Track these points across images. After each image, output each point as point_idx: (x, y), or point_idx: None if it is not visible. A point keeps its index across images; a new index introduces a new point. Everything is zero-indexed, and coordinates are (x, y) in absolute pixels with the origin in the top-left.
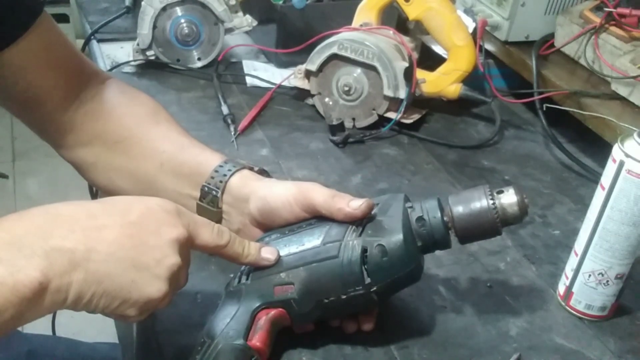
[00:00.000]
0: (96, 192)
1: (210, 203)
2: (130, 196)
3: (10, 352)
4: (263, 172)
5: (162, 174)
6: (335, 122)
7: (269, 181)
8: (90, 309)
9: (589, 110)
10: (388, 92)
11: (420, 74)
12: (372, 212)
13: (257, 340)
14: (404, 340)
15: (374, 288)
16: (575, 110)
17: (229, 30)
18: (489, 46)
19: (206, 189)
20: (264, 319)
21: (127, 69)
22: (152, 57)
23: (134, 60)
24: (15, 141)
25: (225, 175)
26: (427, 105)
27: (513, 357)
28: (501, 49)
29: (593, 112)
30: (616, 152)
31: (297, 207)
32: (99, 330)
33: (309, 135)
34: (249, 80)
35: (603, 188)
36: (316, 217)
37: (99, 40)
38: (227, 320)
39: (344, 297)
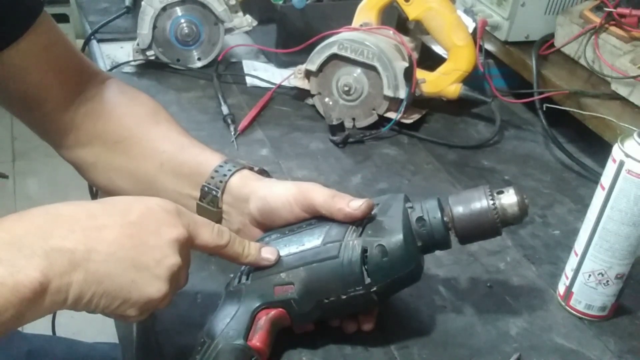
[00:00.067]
0: (96, 192)
1: (210, 203)
2: (130, 196)
3: (10, 352)
4: (263, 172)
5: (162, 174)
6: (335, 122)
7: (269, 181)
8: (91, 309)
9: (589, 110)
10: (388, 92)
11: (420, 74)
12: (372, 213)
13: (257, 340)
14: (404, 340)
15: (374, 288)
16: (575, 110)
17: (229, 30)
18: (489, 46)
19: (206, 189)
20: (264, 319)
21: (127, 69)
22: (152, 57)
23: (134, 60)
24: (15, 141)
25: (225, 175)
26: (427, 105)
27: (513, 357)
28: (501, 49)
29: (593, 112)
30: (616, 152)
31: (297, 207)
32: (98, 330)
33: (309, 135)
34: (249, 80)
35: (603, 188)
36: (316, 217)
37: (99, 40)
38: (227, 320)
39: (344, 297)
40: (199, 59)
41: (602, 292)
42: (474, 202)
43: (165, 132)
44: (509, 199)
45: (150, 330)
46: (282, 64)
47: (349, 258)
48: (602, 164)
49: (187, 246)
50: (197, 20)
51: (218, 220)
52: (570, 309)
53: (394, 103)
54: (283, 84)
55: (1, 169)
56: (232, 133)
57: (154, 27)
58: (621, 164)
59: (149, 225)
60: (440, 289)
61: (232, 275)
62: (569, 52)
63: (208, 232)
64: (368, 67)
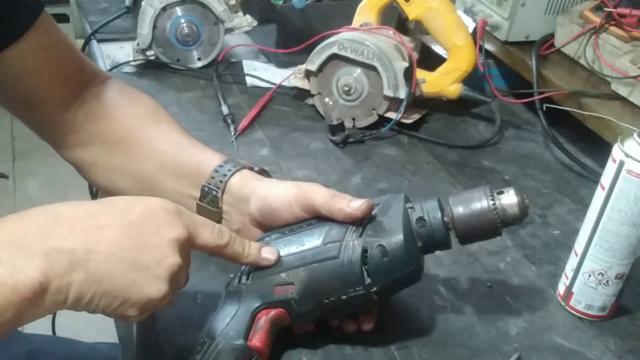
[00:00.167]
0: (96, 192)
1: (210, 203)
2: (130, 196)
3: (10, 352)
4: (263, 172)
5: (162, 174)
6: (335, 122)
7: (269, 181)
8: (91, 309)
9: (589, 110)
10: (388, 92)
11: (420, 74)
12: (373, 213)
13: (257, 340)
14: (404, 340)
15: (374, 288)
16: (575, 110)
17: (229, 30)
18: (489, 46)
19: (206, 189)
20: (264, 319)
21: (127, 69)
22: (152, 57)
23: (134, 60)
24: (15, 141)
25: (225, 175)
26: (427, 105)
27: (513, 357)
28: (501, 49)
29: (593, 112)
30: (616, 152)
31: (297, 207)
32: (98, 330)
33: (309, 135)
34: (249, 80)
35: (603, 188)
36: (316, 217)
37: (99, 40)
38: (227, 320)
39: (344, 297)
40: (199, 59)
41: (602, 292)
42: (474, 203)
43: (165, 132)
44: (509, 199)
45: (150, 330)
46: (282, 64)
47: (349, 258)
48: (602, 164)
49: (187, 246)
50: (197, 20)
51: (218, 220)
52: (570, 309)
53: (394, 103)
54: (283, 84)
55: (1, 169)
56: (232, 133)
57: (154, 27)
58: (621, 164)
59: (149, 225)
60: (440, 289)
61: (232, 275)
62: (569, 52)
63: (208, 232)
64: (368, 67)
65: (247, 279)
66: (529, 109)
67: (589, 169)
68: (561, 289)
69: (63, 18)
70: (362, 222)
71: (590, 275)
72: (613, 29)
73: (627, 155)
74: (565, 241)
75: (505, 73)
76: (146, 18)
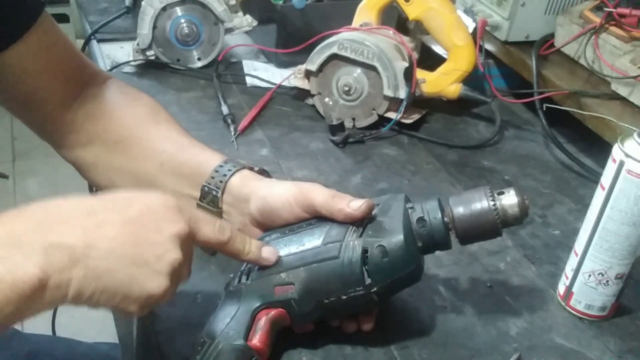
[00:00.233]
0: (96, 192)
1: (210, 203)
2: (131, 192)
3: (10, 352)
4: (263, 172)
5: (162, 174)
6: (335, 122)
7: (269, 181)
8: (92, 305)
9: (589, 110)
10: (388, 92)
11: (420, 74)
12: (373, 213)
13: (257, 340)
14: (404, 340)
15: (375, 289)
16: (575, 110)
17: (229, 30)
18: (489, 46)
19: (206, 189)
20: (264, 319)
21: (127, 69)
22: (152, 57)
23: (134, 60)
24: (15, 141)
25: (225, 175)
26: (427, 105)
27: (513, 357)
28: (501, 49)
29: (593, 112)
30: (616, 152)
31: (297, 207)
32: (98, 330)
33: (309, 135)
34: (249, 80)
35: (603, 188)
36: (316, 217)
37: (99, 40)
38: (227, 321)
39: (344, 297)
40: (199, 59)
41: (602, 292)
42: (475, 203)
43: (165, 132)
44: (509, 199)
45: (150, 330)
46: (282, 64)
47: (349, 258)
48: (602, 164)
49: (189, 241)
50: (197, 20)
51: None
52: (570, 309)
53: (394, 103)
54: (283, 84)
55: (1, 169)
56: (232, 133)
57: (154, 27)
58: (621, 164)
59: (150, 220)
60: (440, 289)
61: (232, 275)
62: (569, 52)
63: (209, 228)
64: (368, 67)
65: (247, 279)
66: (529, 109)
67: (589, 169)
68: (561, 289)
69: (63, 18)
70: (363, 222)
71: (590, 275)
72: (613, 29)
73: (627, 155)
74: (565, 241)
75: (505, 73)
76: (146, 18)
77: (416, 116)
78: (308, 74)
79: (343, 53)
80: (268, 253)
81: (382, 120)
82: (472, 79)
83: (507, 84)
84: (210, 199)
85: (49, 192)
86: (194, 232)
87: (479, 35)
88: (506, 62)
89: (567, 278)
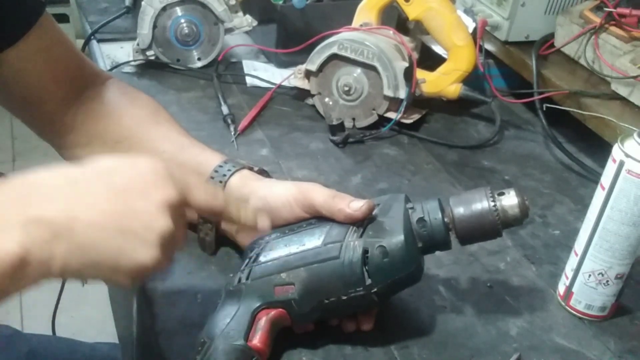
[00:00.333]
0: None
1: None
2: (117, 158)
3: (10, 352)
4: (263, 172)
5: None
6: (335, 122)
7: (269, 181)
8: (81, 279)
9: (589, 110)
10: (388, 92)
11: (420, 74)
12: (373, 213)
13: (257, 340)
14: (404, 340)
15: (375, 289)
16: (575, 110)
17: (229, 30)
18: (489, 46)
19: None
20: (264, 319)
21: (127, 69)
22: (152, 57)
23: (134, 60)
24: (15, 141)
25: (225, 175)
26: (427, 105)
27: (513, 357)
28: (501, 49)
29: (593, 112)
30: (616, 152)
31: (297, 207)
32: (99, 330)
33: (309, 135)
34: (249, 80)
35: (603, 188)
36: (316, 217)
37: (99, 40)
38: (227, 321)
39: (344, 297)
40: (199, 59)
41: (602, 292)
42: (475, 203)
43: (165, 132)
44: (509, 200)
45: (150, 330)
46: (282, 64)
47: (349, 259)
48: (602, 164)
49: (180, 208)
50: (197, 20)
51: (218, 220)
52: (570, 309)
53: (394, 103)
54: (283, 84)
55: (1, 169)
56: (232, 133)
57: (154, 27)
58: (621, 164)
59: (136, 188)
60: (440, 289)
61: (232, 275)
62: (569, 52)
63: (201, 193)
64: (368, 67)
65: (247, 278)
66: (529, 109)
67: (589, 169)
68: (561, 289)
69: (63, 18)
70: (363, 222)
71: (590, 275)
72: (613, 29)
73: (627, 155)
74: (565, 241)
75: (505, 73)
76: (146, 18)
77: (416, 116)
78: (308, 74)
79: (343, 53)
80: (263, 220)
81: (382, 120)
82: (472, 79)
83: (507, 84)
84: None
85: None
86: (184, 198)
87: (479, 35)
88: (506, 62)
89: (567, 278)
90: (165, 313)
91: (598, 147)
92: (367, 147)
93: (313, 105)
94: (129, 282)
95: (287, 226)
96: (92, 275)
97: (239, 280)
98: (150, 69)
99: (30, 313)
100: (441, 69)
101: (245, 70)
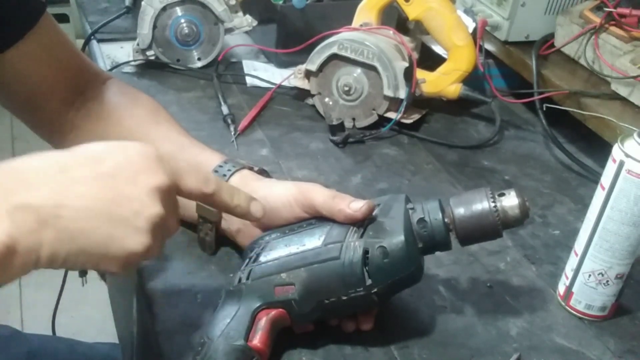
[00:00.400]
0: None
1: None
2: (106, 142)
3: (10, 352)
4: (263, 172)
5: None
6: (335, 122)
7: (269, 181)
8: (70, 267)
9: (589, 110)
10: (388, 92)
11: (420, 74)
12: (374, 213)
13: (257, 341)
14: (404, 340)
15: (375, 289)
16: (575, 110)
17: (229, 30)
18: (489, 46)
19: None
20: (264, 320)
21: (127, 69)
22: (152, 57)
23: (134, 60)
24: (15, 141)
25: (224, 175)
26: (427, 105)
27: (513, 357)
28: (501, 49)
29: (593, 112)
30: (616, 152)
31: (297, 208)
32: (99, 330)
33: (309, 135)
34: (249, 80)
35: (603, 188)
36: (316, 217)
37: (99, 40)
38: (227, 321)
39: (344, 298)
40: (199, 59)
41: (602, 292)
42: (475, 204)
43: (165, 132)
44: (510, 201)
45: (150, 330)
46: (282, 64)
47: (350, 259)
48: (602, 164)
49: (171, 194)
50: (197, 20)
51: (218, 220)
52: (570, 309)
53: (394, 103)
54: (283, 84)
55: None
56: (232, 133)
57: (154, 27)
58: (621, 164)
59: (126, 173)
60: (440, 289)
61: (232, 275)
62: (569, 52)
63: (193, 179)
64: (368, 67)
65: (247, 279)
66: (529, 109)
67: (589, 169)
68: (561, 289)
69: (63, 18)
70: (363, 222)
71: (590, 275)
72: (613, 29)
73: (627, 155)
74: (565, 241)
75: (505, 73)
76: (146, 18)
77: (416, 116)
78: (308, 74)
79: (343, 53)
80: (256, 207)
81: (382, 120)
82: (472, 79)
83: (507, 84)
84: None
85: None
86: (176, 183)
87: (479, 35)
88: (506, 62)
89: (567, 278)
90: (165, 313)
91: (598, 147)
92: (367, 147)
93: (313, 105)
94: (120, 270)
95: (287, 226)
96: (82, 264)
97: (239, 280)
98: (150, 69)
99: (30, 313)
100: (441, 69)
101: (245, 70)
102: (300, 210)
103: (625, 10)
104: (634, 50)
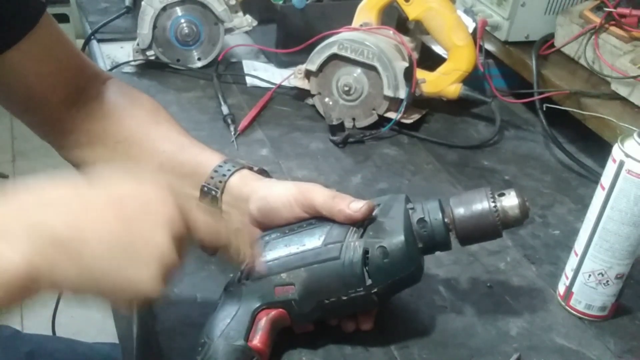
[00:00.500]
0: None
1: (210, 203)
2: (125, 180)
3: (10, 352)
4: (263, 172)
5: (161, 174)
6: (335, 122)
7: (268, 181)
8: (76, 295)
9: (589, 110)
10: (388, 92)
11: (420, 74)
12: (374, 213)
13: (257, 341)
14: (404, 340)
15: (375, 289)
16: (575, 110)
17: (229, 30)
18: (489, 46)
19: (205, 189)
20: (264, 320)
21: (127, 69)
22: (152, 57)
23: (134, 60)
24: (15, 141)
25: (224, 175)
26: (427, 105)
27: (513, 357)
28: (501, 49)
29: (593, 112)
30: (616, 152)
31: (297, 208)
32: (99, 330)
33: (309, 135)
34: (249, 80)
35: (603, 188)
36: (316, 217)
37: (99, 40)
38: (228, 321)
39: (344, 298)
40: (199, 59)
41: (602, 292)
42: (475, 204)
43: (165, 132)
44: (510, 201)
45: (150, 330)
46: (282, 64)
47: (350, 259)
48: (602, 164)
49: (185, 242)
50: (197, 20)
51: None
52: (570, 309)
53: (394, 103)
54: (283, 84)
55: (1, 169)
56: (232, 133)
57: (154, 27)
58: (621, 164)
59: (145, 217)
60: (440, 289)
61: (232, 275)
62: (569, 52)
63: (206, 233)
64: (368, 67)
65: (247, 279)
66: (529, 109)
67: (589, 169)
68: (561, 289)
69: (63, 18)
70: (363, 222)
71: (590, 275)
72: (613, 29)
73: (627, 155)
74: (565, 241)
75: (505, 73)
76: (146, 18)
77: (416, 116)
78: (308, 74)
79: (343, 53)
80: (260, 266)
81: (382, 120)
82: (472, 79)
83: (507, 84)
84: (210, 198)
85: None
86: (190, 234)
87: (479, 35)
88: (506, 62)
89: (567, 278)
90: (165, 313)
91: (598, 147)
92: (367, 147)
93: (313, 105)
94: (126, 305)
95: (287, 226)
96: (90, 292)
97: (239, 281)
98: (150, 69)
99: (30, 313)
100: (441, 69)
101: (245, 70)
102: (300, 210)
103: (625, 10)
104: (634, 50)
